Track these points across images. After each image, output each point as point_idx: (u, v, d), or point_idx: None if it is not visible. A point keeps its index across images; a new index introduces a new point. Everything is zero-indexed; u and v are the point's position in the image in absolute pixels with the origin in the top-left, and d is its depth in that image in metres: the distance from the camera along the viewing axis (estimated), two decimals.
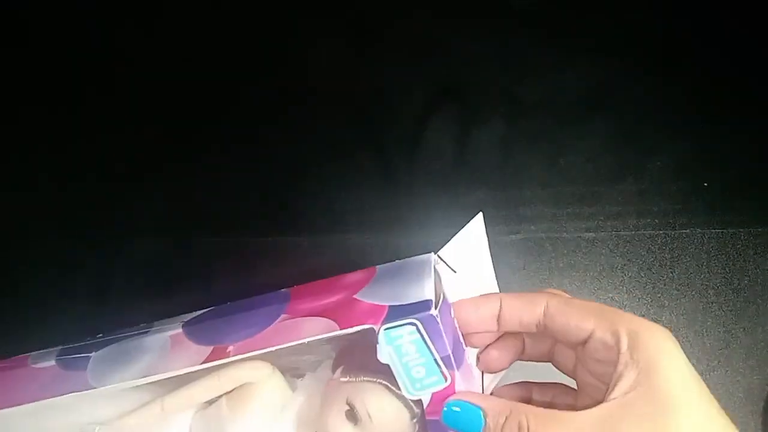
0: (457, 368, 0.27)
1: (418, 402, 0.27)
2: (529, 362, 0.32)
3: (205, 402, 0.31)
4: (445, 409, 0.27)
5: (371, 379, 0.29)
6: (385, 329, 0.26)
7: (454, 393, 0.27)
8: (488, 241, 0.31)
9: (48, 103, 0.44)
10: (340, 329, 0.27)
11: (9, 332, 0.40)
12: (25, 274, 0.43)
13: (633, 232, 0.45)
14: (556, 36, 0.47)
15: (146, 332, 0.32)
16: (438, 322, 0.26)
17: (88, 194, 0.43)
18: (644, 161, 0.46)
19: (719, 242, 0.45)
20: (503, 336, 0.31)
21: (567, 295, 0.29)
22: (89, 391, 0.28)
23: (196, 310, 0.34)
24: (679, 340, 0.44)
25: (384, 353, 0.26)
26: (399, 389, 0.27)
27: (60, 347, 0.32)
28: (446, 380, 0.27)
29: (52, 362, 0.31)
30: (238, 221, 0.44)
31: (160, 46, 0.45)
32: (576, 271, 0.44)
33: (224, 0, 0.46)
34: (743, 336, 0.44)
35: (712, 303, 0.45)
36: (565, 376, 0.30)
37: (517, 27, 0.46)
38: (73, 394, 0.28)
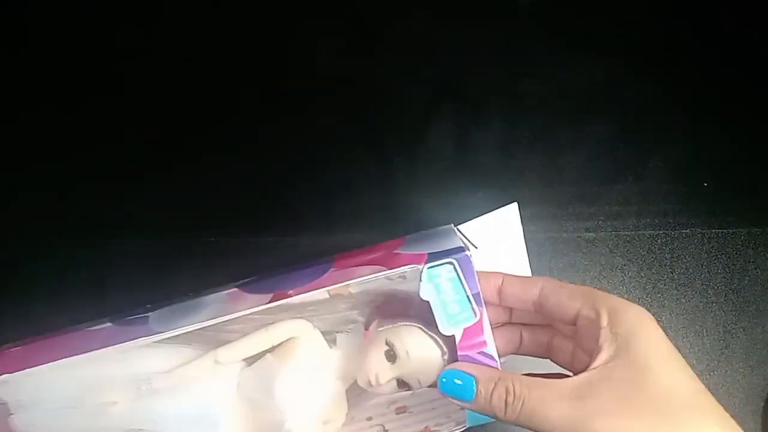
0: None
1: (449, 340, 0.30)
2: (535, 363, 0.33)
3: (249, 359, 0.34)
4: (444, 379, 0.29)
5: (407, 323, 0.32)
6: (428, 268, 0.30)
7: (482, 329, 0.29)
8: (523, 231, 0.36)
9: (47, 103, 0.44)
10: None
11: (8, 333, 0.40)
12: (25, 274, 0.43)
13: (633, 232, 0.45)
14: (556, 36, 0.47)
15: (198, 296, 0.34)
16: (471, 262, 0.30)
17: (88, 194, 0.43)
18: (644, 161, 0.46)
19: (719, 242, 0.45)
20: (503, 325, 0.34)
21: (561, 281, 0.31)
22: (149, 338, 0.30)
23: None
24: (679, 340, 0.45)
25: (426, 291, 0.30)
26: (432, 331, 0.31)
27: (109, 317, 0.34)
28: (476, 316, 0.29)
29: (108, 324, 0.33)
30: (238, 221, 0.44)
31: (160, 46, 0.45)
32: (576, 271, 0.44)
33: (224, 0, 0.46)
34: (743, 336, 0.44)
35: (712, 303, 0.45)
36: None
37: (517, 27, 0.46)
38: (130, 342, 0.30)
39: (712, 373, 0.43)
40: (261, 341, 0.33)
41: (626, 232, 0.45)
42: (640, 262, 0.45)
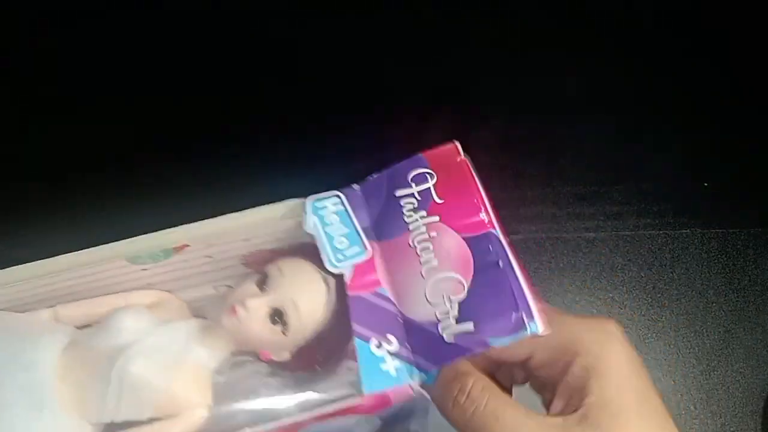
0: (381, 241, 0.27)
1: (338, 283, 0.26)
2: None
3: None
4: None
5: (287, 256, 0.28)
6: (312, 201, 0.28)
7: (374, 267, 0.26)
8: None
9: (49, 104, 0.44)
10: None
11: None
12: None
13: (633, 232, 0.45)
14: (556, 36, 0.47)
15: None
16: (362, 197, 0.28)
17: (88, 193, 0.43)
18: (644, 161, 0.46)
19: (719, 242, 0.45)
20: None
21: None
22: None
23: None
24: (679, 340, 0.45)
25: (309, 223, 0.27)
26: (317, 266, 0.27)
27: None
28: (366, 250, 0.27)
29: None
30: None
31: (160, 46, 0.45)
32: (576, 271, 0.44)
33: (224, 2, 0.46)
34: (743, 336, 0.44)
35: (712, 303, 0.45)
36: None
37: (517, 27, 0.46)
38: None
39: (712, 373, 0.43)
40: (117, 305, 0.28)
41: (626, 232, 0.45)
42: (640, 262, 0.45)
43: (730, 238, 0.45)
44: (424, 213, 0.27)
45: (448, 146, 0.31)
